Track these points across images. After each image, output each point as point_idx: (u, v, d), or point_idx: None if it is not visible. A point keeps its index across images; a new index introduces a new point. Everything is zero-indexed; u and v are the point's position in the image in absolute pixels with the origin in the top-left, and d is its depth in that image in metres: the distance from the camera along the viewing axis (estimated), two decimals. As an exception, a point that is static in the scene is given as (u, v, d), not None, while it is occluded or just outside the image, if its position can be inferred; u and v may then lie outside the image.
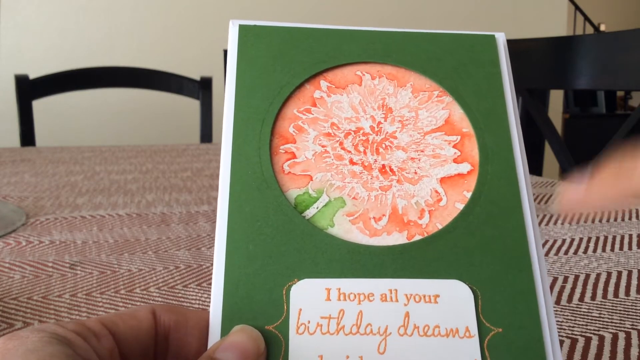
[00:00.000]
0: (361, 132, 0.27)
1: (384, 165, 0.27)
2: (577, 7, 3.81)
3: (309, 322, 0.23)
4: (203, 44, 2.35)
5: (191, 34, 2.36)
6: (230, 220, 0.25)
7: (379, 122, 0.28)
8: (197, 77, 1.52)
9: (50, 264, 0.46)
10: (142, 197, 0.71)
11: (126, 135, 2.27)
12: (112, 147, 1.17)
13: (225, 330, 0.23)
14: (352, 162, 0.27)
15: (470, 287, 0.24)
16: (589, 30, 3.91)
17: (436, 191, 0.26)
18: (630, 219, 0.60)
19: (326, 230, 0.25)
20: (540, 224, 0.59)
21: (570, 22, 3.63)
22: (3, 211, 0.61)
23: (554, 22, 2.95)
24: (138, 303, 0.39)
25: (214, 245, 0.54)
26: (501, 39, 0.30)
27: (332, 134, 0.27)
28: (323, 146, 0.27)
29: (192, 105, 1.60)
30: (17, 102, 1.39)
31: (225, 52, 1.50)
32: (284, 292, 0.24)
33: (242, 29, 0.29)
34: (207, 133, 1.50)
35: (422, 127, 0.28)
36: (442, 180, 0.27)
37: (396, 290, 0.24)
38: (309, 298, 0.23)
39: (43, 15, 2.20)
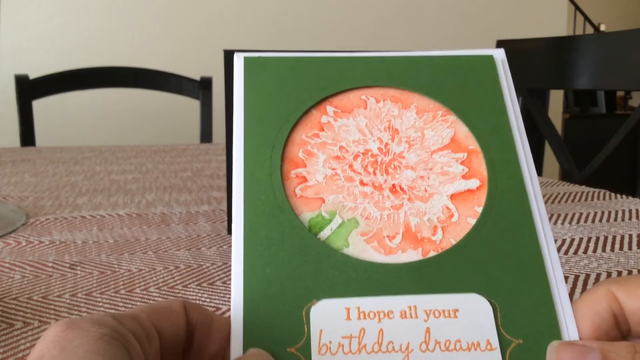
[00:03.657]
0: (369, 153, 0.28)
1: (394, 185, 0.27)
2: (577, 7, 3.81)
3: (330, 342, 0.23)
4: (203, 44, 2.35)
5: (191, 34, 2.36)
6: (246, 245, 0.25)
7: (387, 144, 0.28)
8: (197, 77, 1.52)
9: (50, 264, 0.46)
10: (142, 197, 0.71)
11: (126, 135, 2.27)
12: (112, 147, 1.17)
13: (247, 347, 0.23)
14: (362, 183, 0.27)
15: (488, 300, 0.24)
16: (589, 30, 3.91)
17: (447, 207, 0.27)
18: (630, 219, 0.60)
19: (341, 251, 0.25)
20: (540, 224, 0.59)
21: (570, 22, 3.63)
22: (3, 211, 0.61)
23: (554, 22, 2.95)
24: (138, 303, 0.39)
25: (214, 246, 0.54)
26: (499, 57, 0.30)
27: (341, 157, 0.28)
28: (333, 169, 0.27)
29: (192, 105, 1.60)
30: (17, 102, 1.39)
31: (226, 52, 1.50)
32: (303, 314, 0.24)
33: (247, 61, 0.29)
34: (207, 133, 1.50)
35: (429, 146, 0.28)
36: (453, 197, 0.27)
37: (415, 306, 0.24)
38: (329, 318, 0.24)
39: (43, 15, 2.20)
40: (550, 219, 0.61)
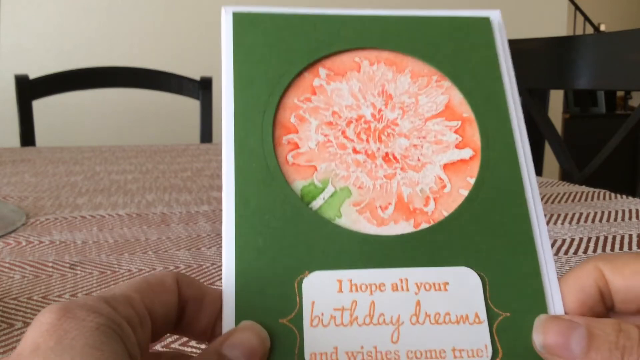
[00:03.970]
0: (362, 119, 0.27)
1: (387, 153, 0.27)
2: (577, 7, 3.81)
3: (322, 314, 0.23)
4: (203, 43, 2.35)
5: (191, 34, 2.36)
6: (237, 215, 0.25)
7: (380, 110, 0.28)
8: (197, 77, 1.52)
9: (50, 264, 0.46)
10: (142, 197, 0.71)
11: (126, 135, 2.27)
12: (112, 147, 1.17)
13: (239, 320, 0.23)
14: (355, 151, 0.27)
15: (478, 273, 0.24)
16: (589, 30, 3.91)
17: (440, 178, 0.27)
18: (630, 219, 0.60)
19: (334, 221, 0.25)
20: (540, 224, 0.59)
21: (570, 22, 3.63)
22: (3, 211, 0.61)
23: (554, 22, 2.95)
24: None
25: (214, 245, 0.54)
26: (496, 19, 0.30)
27: (334, 123, 0.27)
28: (325, 135, 0.27)
29: (192, 105, 1.60)
30: (17, 102, 1.39)
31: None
32: (295, 285, 0.24)
33: (237, 17, 0.28)
34: (207, 133, 1.50)
35: (423, 113, 0.28)
36: (445, 167, 0.27)
37: (407, 279, 0.24)
38: (321, 290, 0.24)
39: (43, 15, 2.20)
40: (550, 219, 0.61)
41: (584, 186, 0.78)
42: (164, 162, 0.99)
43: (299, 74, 0.28)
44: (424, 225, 0.25)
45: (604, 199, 0.70)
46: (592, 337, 0.21)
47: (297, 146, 0.27)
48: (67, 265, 0.46)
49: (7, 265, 0.46)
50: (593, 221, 0.60)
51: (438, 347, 0.23)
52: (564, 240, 0.53)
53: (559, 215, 0.62)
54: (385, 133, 0.27)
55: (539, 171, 2.19)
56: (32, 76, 1.42)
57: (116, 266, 0.46)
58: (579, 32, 3.92)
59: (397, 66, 0.29)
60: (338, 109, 0.27)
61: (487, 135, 0.27)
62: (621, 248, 0.51)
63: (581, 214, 0.63)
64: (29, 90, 1.40)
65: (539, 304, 0.24)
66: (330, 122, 0.27)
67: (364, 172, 0.26)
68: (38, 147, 1.18)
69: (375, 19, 0.29)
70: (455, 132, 0.27)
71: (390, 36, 0.29)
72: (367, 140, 0.27)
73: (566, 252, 0.50)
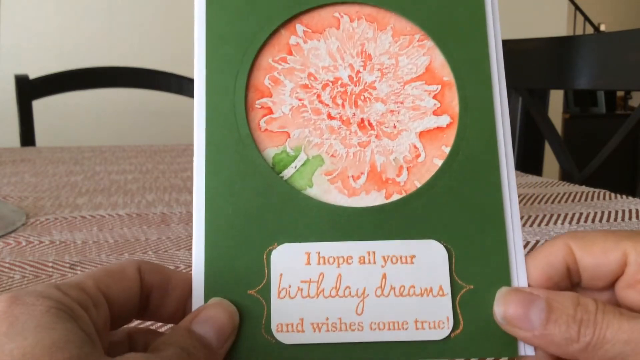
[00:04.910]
0: (339, 82, 0.26)
1: (362, 120, 0.26)
2: (577, 7, 3.81)
3: (289, 286, 0.23)
4: (203, 44, 2.35)
5: (191, 34, 2.36)
6: (208, 184, 0.24)
7: (358, 72, 0.27)
8: (197, 77, 1.52)
9: (50, 264, 0.46)
10: (142, 197, 0.71)
11: (126, 135, 2.27)
12: (112, 147, 1.17)
13: (208, 296, 0.23)
14: (330, 117, 0.26)
15: (445, 246, 0.24)
16: (589, 30, 3.91)
17: (415, 146, 0.26)
18: (630, 219, 0.60)
19: (305, 191, 0.25)
20: (540, 224, 0.59)
21: (570, 22, 3.63)
22: (3, 211, 0.61)
23: (554, 22, 2.95)
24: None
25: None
26: None
27: (310, 86, 0.26)
28: (300, 100, 0.26)
29: (192, 105, 1.60)
30: (17, 102, 1.39)
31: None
32: (264, 257, 0.24)
33: None
34: (207, 133, 1.49)
35: (402, 76, 0.27)
36: (421, 135, 0.26)
37: (374, 252, 0.24)
38: (290, 262, 0.24)
39: (43, 15, 2.20)
40: (550, 219, 0.61)
41: (583, 186, 0.78)
42: (164, 162, 0.99)
43: (275, 31, 0.26)
44: (396, 197, 0.25)
45: (604, 199, 0.70)
46: (551, 309, 0.22)
47: (270, 111, 0.26)
48: (67, 265, 0.46)
49: (7, 265, 0.46)
50: (593, 221, 0.60)
51: (401, 318, 0.23)
52: (564, 240, 0.53)
53: (559, 215, 0.62)
54: (362, 97, 0.26)
55: (539, 171, 2.19)
56: (32, 76, 1.42)
57: (116, 266, 0.46)
58: (579, 32, 3.92)
59: (379, 23, 0.27)
60: (314, 70, 0.26)
61: (466, 101, 0.26)
62: (621, 248, 0.51)
63: (581, 214, 0.63)
64: (29, 90, 1.40)
65: (503, 277, 0.24)
66: (305, 84, 0.26)
67: (338, 139, 0.26)
68: (38, 147, 1.18)
69: None
70: (434, 97, 0.26)
71: None
72: (343, 105, 0.26)
73: (566, 252, 0.50)
